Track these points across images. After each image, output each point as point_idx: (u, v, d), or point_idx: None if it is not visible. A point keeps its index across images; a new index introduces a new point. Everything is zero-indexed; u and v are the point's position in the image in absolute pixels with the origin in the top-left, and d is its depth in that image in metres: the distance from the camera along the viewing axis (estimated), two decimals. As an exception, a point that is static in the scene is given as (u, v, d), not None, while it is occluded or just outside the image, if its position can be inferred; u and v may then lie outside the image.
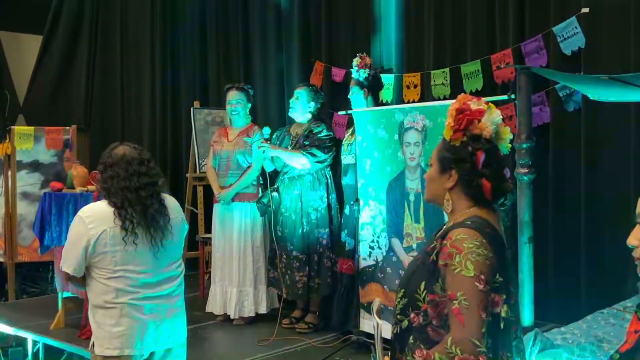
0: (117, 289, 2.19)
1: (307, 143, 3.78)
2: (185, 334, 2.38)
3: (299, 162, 3.77)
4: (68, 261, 2.22)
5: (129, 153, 2.26)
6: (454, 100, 1.56)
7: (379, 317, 1.59)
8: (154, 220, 2.21)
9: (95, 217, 2.20)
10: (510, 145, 1.55)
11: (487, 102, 1.55)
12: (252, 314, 3.96)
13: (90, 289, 2.25)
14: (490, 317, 1.38)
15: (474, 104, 1.52)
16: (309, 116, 3.91)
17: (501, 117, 1.52)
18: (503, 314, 1.41)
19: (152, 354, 2.28)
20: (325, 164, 3.84)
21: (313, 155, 3.75)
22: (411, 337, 1.46)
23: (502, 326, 1.41)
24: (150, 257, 2.22)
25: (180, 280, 2.34)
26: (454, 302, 1.37)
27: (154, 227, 2.21)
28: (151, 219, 2.21)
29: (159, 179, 2.29)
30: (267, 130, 3.80)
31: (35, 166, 5.45)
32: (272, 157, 3.86)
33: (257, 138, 4.01)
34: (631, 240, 1.32)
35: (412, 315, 1.47)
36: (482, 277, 1.38)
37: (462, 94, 1.59)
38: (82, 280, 2.27)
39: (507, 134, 1.54)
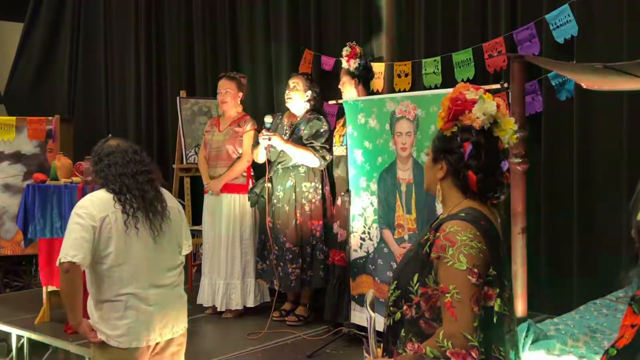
0: (122, 278, 2.20)
1: (315, 142, 3.69)
2: (186, 323, 2.40)
3: (308, 161, 3.69)
4: (73, 250, 2.15)
5: (122, 144, 2.35)
6: (446, 89, 1.53)
7: (372, 310, 1.56)
8: (152, 205, 2.26)
9: (97, 203, 2.22)
10: (515, 136, 1.51)
11: (485, 92, 1.51)
12: (240, 307, 3.92)
13: (92, 284, 2.24)
14: (482, 310, 1.37)
15: (470, 94, 1.48)
16: (307, 106, 3.84)
17: (496, 107, 1.48)
18: (496, 308, 1.40)
19: (156, 344, 2.29)
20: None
21: (324, 158, 3.70)
22: (403, 330, 1.45)
23: (494, 320, 1.40)
24: (151, 243, 2.25)
25: (181, 269, 2.38)
26: (447, 295, 1.36)
27: (153, 212, 2.26)
28: (149, 203, 2.26)
29: (152, 167, 2.38)
30: (268, 120, 3.69)
31: (17, 157, 5.35)
32: (265, 149, 3.77)
33: (249, 129, 3.95)
34: None
35: (404, 307, 1.45)
36: (475, 270, 1.36)
37: (461, 82, 1.55)
38: (78, 275, 2.19)
39: (509, 125, 1.50)
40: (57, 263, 2.18)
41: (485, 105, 1.46)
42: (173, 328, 2.32)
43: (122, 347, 2.20)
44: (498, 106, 1.49)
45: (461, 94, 1.48)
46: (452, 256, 1.37)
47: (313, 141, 3.71)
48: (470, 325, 1.33)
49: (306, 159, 3.69)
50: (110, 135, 4.26)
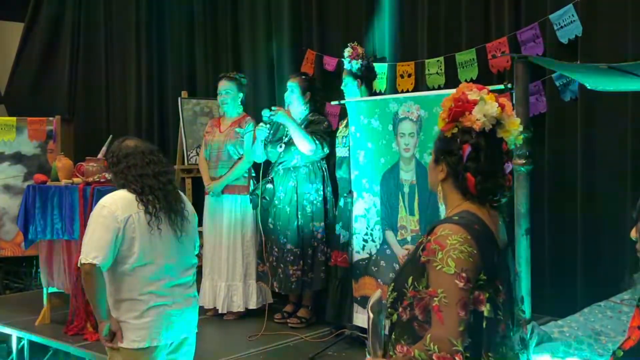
0: (145, 277, 2.21)
1: (313, 133, 3.67)
2: (197, 322, 2.43)
3: (306, 144, 3.62)
4: (95, 251, 2.15)
5: (140, 144, 2.34)
6: (449, 90, 1.51)
7: (379, 309, 1.55)
8: (173, 205, 2.29)
9: (120, 203, 2.22)
10: (521, 138, 1.48)
11: (489, 92, 1.49)
12: (242, 309, 3.90)
13: (112, 284, 2.23)
14: (471, 315, 1.36)
15: (472, 95, 1.46)
16: (307, 107, 3.81)
17: (500, 108, 1.45)
18: (486, 313, 1.39)
19: (171, 343, 2.31)
20: (322, 156, 3.77)
21: (322, 147, 3.65)
22: (394, 332, 1.46)
23: (484, 325, 1.39)
24: (174, 242, 2.27)
25: (195, 269, 2.42)
26: (435, 299, 1.36)
27: (174, 212, 2.28)
28: (171, 204, 2.28)
29: (170, 168, 2.39)
30: (267, 113, 3.65)
31: (17, 158, 5.32)
32: (265, 147, 3.74)
33: (250, 129, 3.93)
34: (633, 233, 1.37)
35: (400, 309, 1.46)
36: (463, 274, 1.36)
37: (464, 82, 1.53)
38: (100, 275, 2.18)
39: (514, 126, 1.47)
40: (78, 264, 2.20)
41: (486, 107, 1.44)
42: (189, 327, 2.35)
43: (140, 347, 2.20)
44: (503, 107, 1.46)
45: (463, 94, 1.46)
46: (441, 260, 1.37)
47: (313, 134, 3.68)
48: (455, 330, 1.33)
49: (303, 140, 3.60)
50: (111, 136, 4.25)
